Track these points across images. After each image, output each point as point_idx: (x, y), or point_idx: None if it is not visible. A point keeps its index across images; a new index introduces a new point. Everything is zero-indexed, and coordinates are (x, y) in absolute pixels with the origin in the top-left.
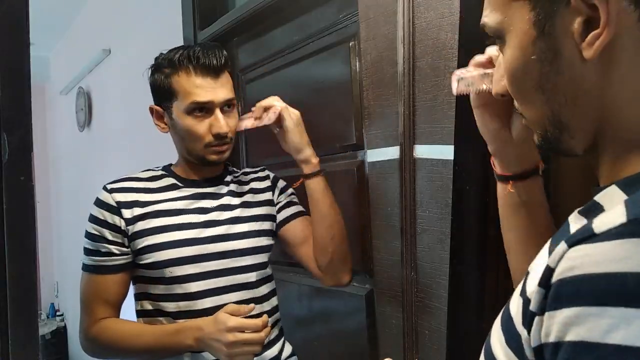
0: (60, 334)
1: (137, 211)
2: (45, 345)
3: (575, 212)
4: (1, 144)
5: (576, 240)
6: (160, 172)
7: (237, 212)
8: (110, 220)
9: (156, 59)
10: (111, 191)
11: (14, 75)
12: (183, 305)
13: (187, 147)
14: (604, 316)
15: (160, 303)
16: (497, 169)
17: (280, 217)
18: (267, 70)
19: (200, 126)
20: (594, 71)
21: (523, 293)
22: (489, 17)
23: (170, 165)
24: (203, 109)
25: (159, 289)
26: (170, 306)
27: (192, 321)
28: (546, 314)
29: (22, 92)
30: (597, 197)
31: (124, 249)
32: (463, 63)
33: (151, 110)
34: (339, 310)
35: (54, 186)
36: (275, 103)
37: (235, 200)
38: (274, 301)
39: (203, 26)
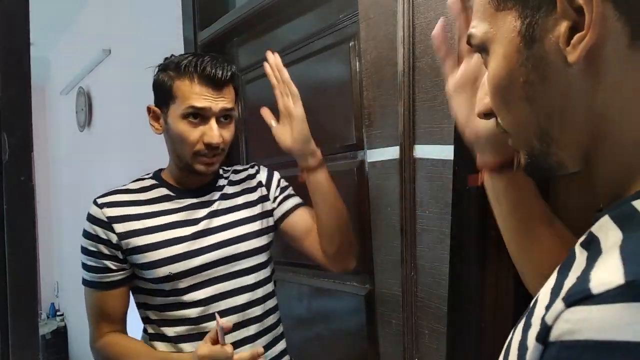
0: (60, 334)
1: (130, 226)
2: (45, 345)
3: (578, 243)
4: (1, 144)
5: (573, 300)
6: (151, 182)
7: (230, 217)
8: (103, 236)
9: (165, 59)
10: (101, 206)
11: (14, 75)
12: (186, 313)
13: (177, 153)
14: None
15: (162, 312)
16: (477, 159)
17: (280, 211)
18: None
19: (193, 132)
20: (581, 78)
21: (526, 327)
22: (476, 28)
23: (161, 171)
24: (198, 116)
25: (159, 300)
26: (173, 315)
27: (181, 355)
28: None
29: (22, 92)
30: (594, 229)
31: (121, 264)
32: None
33: (148, 110)
34: (339, 310)
35: (54, 186)
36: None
37: (229, 204)
38: (270, 303)
39: (203, 26)
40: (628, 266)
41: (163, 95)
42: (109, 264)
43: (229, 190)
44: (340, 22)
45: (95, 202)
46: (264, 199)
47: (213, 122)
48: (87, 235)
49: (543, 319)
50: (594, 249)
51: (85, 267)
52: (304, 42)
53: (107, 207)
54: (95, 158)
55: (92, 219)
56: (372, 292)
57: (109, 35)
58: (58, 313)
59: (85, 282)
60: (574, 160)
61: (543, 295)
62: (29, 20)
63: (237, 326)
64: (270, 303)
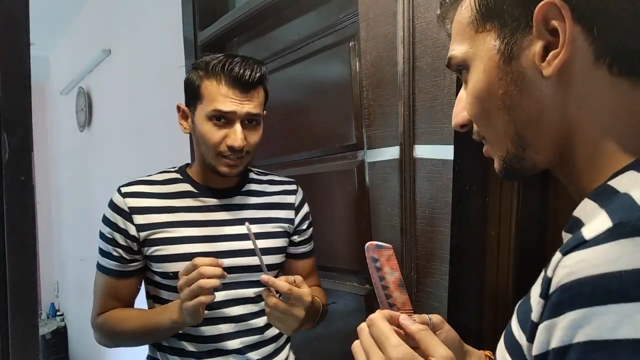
0: (60, 334)
1: (150, 218)
2: (45, 345)
3: (563, 232)
4: (1, 144)
5: (569, 248)
6: (175, 175)
7: (253, 228)
8: (121, 225)
9: (197, 58)
10: (124, 195)
11: (14, 75)
12: None
13: (202, 153)
14: (608, 314)
15: None
16: None
17: (293, 249)
18: (267, 70)
19: (216, 134)
20: (555, 89)
21: (525, 303)
22: (456, 50)
23: (187, 166)
24: (222, 119)
25: (166, 295)
26: None
27: (166, 306)
28: (548, 321)
29: (22, 92)
30: (575, 213)
31: (134, 256)
32: None
33: (178, 108)
34: (339, 310)
35: (54, 186)
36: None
37: (255, 214)
38: None
39: (203, 26)
40: (613, 215)
41: (192, 95)
42: (124, 254)
43: (260, 199)
44: (340, 22)
45: (119, 191)
46: (289, 221)
47: (238, 126)
48: (106, 222)
49: (544, 276)
50: (576, 226)
51: (101, 252)
52: (304, 42)
53: (130, 197)
54: (95, 158)
55: (113, 207)
56: (372, 292)
57: (109, 35)
58: (58, 313)
59: (99, 267)
60: (547, 161)
61: (539, 279)
62: (29, 20)
63: (237, 335)
64: None
